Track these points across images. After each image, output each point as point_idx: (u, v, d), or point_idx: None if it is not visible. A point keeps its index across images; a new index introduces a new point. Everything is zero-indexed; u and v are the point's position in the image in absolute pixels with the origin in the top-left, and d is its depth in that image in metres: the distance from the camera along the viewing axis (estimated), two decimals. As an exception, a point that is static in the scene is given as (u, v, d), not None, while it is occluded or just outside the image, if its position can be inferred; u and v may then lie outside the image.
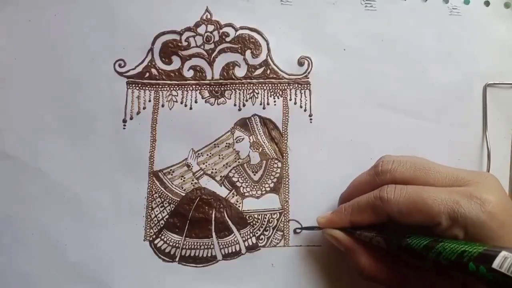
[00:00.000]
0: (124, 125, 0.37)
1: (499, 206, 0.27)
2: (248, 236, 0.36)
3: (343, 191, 0.35)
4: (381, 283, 0.31)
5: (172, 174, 0.37)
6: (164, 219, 0.36)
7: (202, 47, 0.38)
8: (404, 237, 0.28)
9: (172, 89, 0.37)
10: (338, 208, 0.33)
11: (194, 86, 0.37)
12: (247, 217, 0.37)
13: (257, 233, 0.37)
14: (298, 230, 0.36)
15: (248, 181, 0.37)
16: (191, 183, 0.37)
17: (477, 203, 0.27)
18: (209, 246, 0.36)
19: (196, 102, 0.37)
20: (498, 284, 0.23)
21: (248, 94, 0.38)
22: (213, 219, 0.36)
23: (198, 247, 0.36)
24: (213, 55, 0.38)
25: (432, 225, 0.28)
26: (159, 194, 0.37)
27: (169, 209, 0.36)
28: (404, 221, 0.29)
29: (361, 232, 0.31)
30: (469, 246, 0.25)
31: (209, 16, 0.38)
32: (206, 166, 0.37)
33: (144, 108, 0.37)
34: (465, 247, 0.25)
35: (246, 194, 0.37)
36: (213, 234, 0.36)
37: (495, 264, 0.23)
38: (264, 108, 0.38)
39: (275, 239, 0.36)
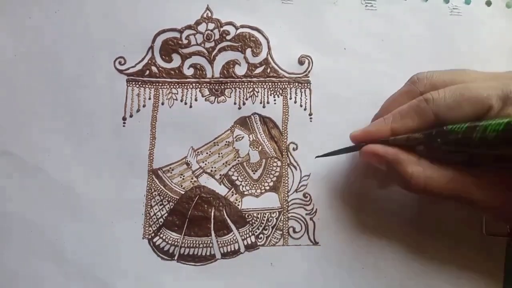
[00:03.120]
0: (124, 123, 0.37)
1: None
2: (247, 235, 0.36)
3: (375, 113, 0.33)
4: (430, 193, 0.28)
5: (171, 172, 0.37)
6: (163, 217, 0.36)
7: (202, 45, 0.38)
8: (447, 127, 0.27)
9: (172, 87, 0.37)
10: (375, 121, 0.32)
11: (194, 84, 0.37)
12: (246, 216, 0.37)
13: (256, 232, 0.36)
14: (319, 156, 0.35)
15: (248, 180, 0.37)
16: (191, 181, 0.37)
17: None
18: (208, 245, 0.36)
19: (196, 100, 0.37)
20: None
21: (248, 92, 0.38)
22: (212, 217, 0.36)
23: (197, 245, 0.36)
24: (213, 53, 0.38)
25: (484, 111, 0.27)
26: (159, 192, 0.36)
27: (168, 207, 0.36)
28: (453, 116, 0.27)
29: (394, 137, 0.30)
30: None
31: (209, 14, 0.38)
32: (205, 164, 0.37)
33: (144, 106, 0.37)
34: (510, 118, 0.24)
35: (246, 192, 0.37)
36: (212, 232, 0.36)
37: None
38: (264, 106, 0.38)
39: (274, 238, 0.36)
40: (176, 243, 0.36)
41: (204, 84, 0.37)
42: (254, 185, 0.37)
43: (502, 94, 0.26)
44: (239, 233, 0.36)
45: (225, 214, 0.36)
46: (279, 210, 0.37)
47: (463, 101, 0.27)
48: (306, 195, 0.37)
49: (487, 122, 0.25)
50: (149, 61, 0.37)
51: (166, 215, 0.36)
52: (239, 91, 0.38)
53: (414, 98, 0.30)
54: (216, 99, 0.37)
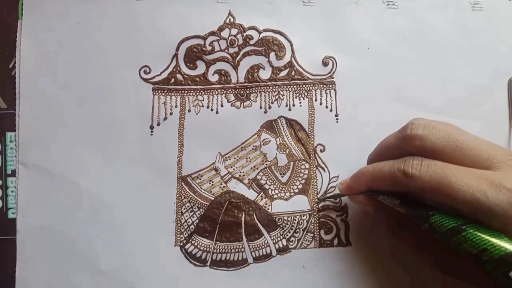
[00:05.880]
0: (152, 132, 0.37)
1: None
2: (279, 239, 0.36)
3: (371, 152, 0.34)
4: (406, 245, 0.32)
5: (200, 179, 0.37)
6: (194, 223, 0.36)
7: (226, 51, 0.38)
8: (428, 214, 0.27)
9: (197, 93, 0.37)
10: (357, 172, 0.32)
11: (219, 90, 0.37)
12: (276, 219, 0.37)
13: (287, 235, 0.36)
14: (321, 198, 0.37)
15: (276, 183, 0.37)
16: (220, 187, 0.37)
17: (506, 194, 0.25)
18: (239, 250, 0.36)
19: (222, 106, 0.37)
20: None
21: (273, 96, 0.38)
22: (243, 222, 0.36)
23: (229, 250, 0.36)
24: (237, 58, 0.38)
25: (454, 209, 0.26)
26: (189, 199, 0.37)
27: (198, 214, 0.36)
28: (424, 198, 0.28)
29: (384, 197, 0.30)
30: (493, 243, 0.24)
31: (232, 20, 0.38)
32: (233, 169, 0.37)
33: (171, 113, 0.37)
34: (488, 244, 0.24)
35: (275, 196, 0.37)
36: (244, 237, 0.36)
37: None
38: (289, 109, 0.38)
39: (306, 241, 0.36)
40: (208, 249, 0.36)
41: (230, 90, 0.37)
42: (283, 189, 0.37)
43: (477, 205, 0.25)
44: (270, 236, 0.36)
45: (255, 219, 0.37)
46: (309, 212, 0.37)
47: (438, 192, 0.26)
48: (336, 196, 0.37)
49: (465, 235, 0.25)
50: (174, 69, 0.37)
51: (197, 221, 0.36)
52: (265, 95, 0.38)
53: (403, 153, 0.29)
54: (242, 104, 0.37)
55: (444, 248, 0.28)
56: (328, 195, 0.37)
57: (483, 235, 0.25)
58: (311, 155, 0.37)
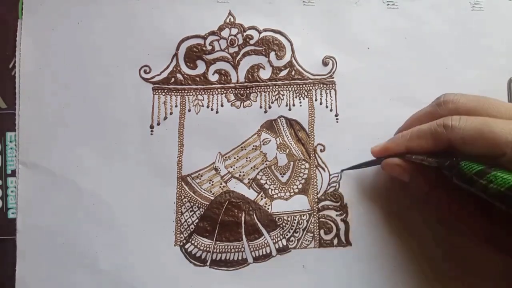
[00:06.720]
0: (152, 131, 0.37)
1: None
2: (278, 238, 0.36)
3: (400, 126, 0.35)
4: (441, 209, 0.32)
5: (200, 178, 0.37)
6: (194, 223, 0.36)
7: (226, 50, 0.38)
8: (458, 161, 0.28)
9: (198, 93, 0.37)
10: (394, 136, 0.34)
11: (219, 90, 0.37)
12: (276, 219, 0.37)
13: (287, 235, 0.36)
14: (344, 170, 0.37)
15: (276, 183, 0.37)
16: (220, 187, 0.37)
17: None
18: (239, 249, 0.36)
19: (222, 105, 0.37)
20: None
21: (273, 96, 0.38)
22: (242, 222, 0.36)
23: (229, 250, 0.36)
24: (237, 58, 0.38)
25: (496, 155, 0.27)
26: (188, 198, 0.37)
27: (198, 213, 0.36)
28: (466, 149, 0.28)
29: (411, 156, 0.31)
30: None
31: (232, 20, 0.38)
32: (233, 169, 0.37)
33: (171, 113, 0.37)
34: None
35: (275, 196, 0.37)
36: (243, 237, 0.36)
37: None
38: (290, 109, 0.38)
39: (306, 241, 0.36)
40: (208, 249, 0.36)
41: (230, 89, 0.38)
42: (283, 188, 0.37)
43: None
44: (270, 236, 0.36)
45: (255, 218, 0.37)
46: (309, 212, 0.37)
47: (479, 139, 0.27)
48: (336, 196, 0.37)
49: (495, 174, 0.26)
50: (174, 69, 0.37)
51: (197, 221, 0.36)
52: (265, 95, 0.38)
53: (436, 119, 0.31)
54: (242, 103, 0.37)
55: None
56: (352, 165, 0.36)
57: (509, 174, 0.25)
58: (311, 155, 0.37)
